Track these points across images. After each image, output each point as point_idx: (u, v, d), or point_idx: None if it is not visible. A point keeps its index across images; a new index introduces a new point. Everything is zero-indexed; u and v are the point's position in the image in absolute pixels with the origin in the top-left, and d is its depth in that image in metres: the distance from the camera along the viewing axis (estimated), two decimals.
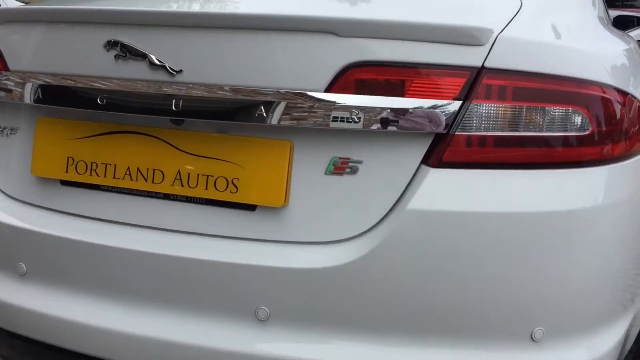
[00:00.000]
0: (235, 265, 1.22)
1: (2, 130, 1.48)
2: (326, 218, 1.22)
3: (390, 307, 1.17)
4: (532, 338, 1.20)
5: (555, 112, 1.18)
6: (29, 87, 1.36)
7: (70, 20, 1.32)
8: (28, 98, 1.36)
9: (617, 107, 1.24)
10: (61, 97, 1.33)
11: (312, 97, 1.17)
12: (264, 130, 1.23)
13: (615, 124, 1.23)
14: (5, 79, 1.39)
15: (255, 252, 1.23)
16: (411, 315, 1.17)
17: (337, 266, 1.17)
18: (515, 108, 1.16)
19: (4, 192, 1.47)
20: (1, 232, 1.41)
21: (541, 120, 1.17)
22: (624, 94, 1.26)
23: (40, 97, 1.35)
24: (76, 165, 1.36)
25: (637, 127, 1.30)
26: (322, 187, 1.22)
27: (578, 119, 1.19)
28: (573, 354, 1.24)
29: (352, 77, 1.17)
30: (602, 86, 1.22)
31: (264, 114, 1.18)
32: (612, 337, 1.31)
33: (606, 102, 1.22)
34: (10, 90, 1.40)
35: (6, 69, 1.41)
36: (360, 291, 1.17)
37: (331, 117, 1.17)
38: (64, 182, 1.40)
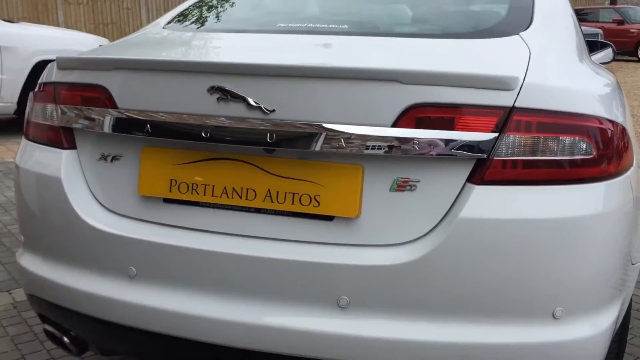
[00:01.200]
0: (319, 264, 1.54)
1: (105, 157, 1.77)
2: (391, 225, 1.55)
3: (446, 293, 1.50)
4: (553, 316, 1.54)
5: (567, 141, 1.53)
6: (137, 122, 1.66)
7: (177, 69, 1.62)
8: (138, 131, 1.66)
9: (610, 135, 1.59)
10: (170, 131, 1.63)
11: (381, 132, 1.50)
12: (340, 156, 1.56)
13: (610, 148, 1.59)
14: (115, 116, 1.69)
15: (334, 254, 1.56)
16: (463, 299, 1.50)
17: (402, 263, 1.50)
18: (538, 138, 1.51)
19: (107, 209, 1.77)
20: (111, 242, 1.70)
21: (557, 147, 1.52)
22: (614, 123, 1.62)
23: (150, 130, 1.65)
24: (179, 186, 1.67)
25: (624, 149, 1.65)
26: (388, 201, 1.55)
27: (584, 146, 1.54)
28: (582, 329, 1.58)
29: (412, 115, 1.50)
30: (599, 119, 1.57)
31: (343, 145, 1.51)
32: (608, 317, 1.65)
33: (603, 131, 1.57)
34: (119, 125, 1.70)
35: (115, 107, 1.71)
36: (421, 282, 1.50)
37: (396, 146, 1.50)
38: (167, 200, 1.70)
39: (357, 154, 1.53)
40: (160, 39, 1.97)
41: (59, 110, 1.80)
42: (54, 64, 1.92)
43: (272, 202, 1.60)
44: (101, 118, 1.71)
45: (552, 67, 1.69)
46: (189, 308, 1.63)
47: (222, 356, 1.65)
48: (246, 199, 1.62)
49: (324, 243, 1.58)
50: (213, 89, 1.58)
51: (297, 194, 1.58)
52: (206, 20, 2.23)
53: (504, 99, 1.49)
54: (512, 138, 1.50)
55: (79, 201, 1.76)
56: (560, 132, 1.52)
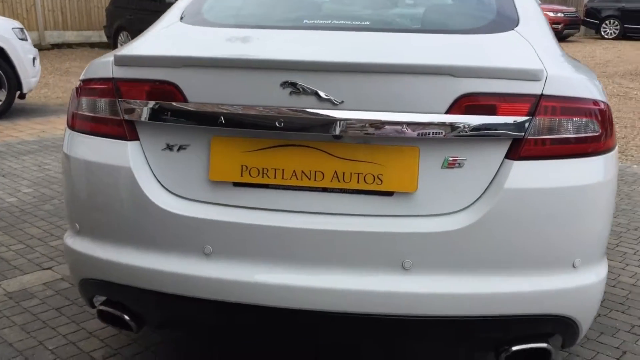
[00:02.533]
0: (385, 233, 1.80)
1: (171, 147, 1.93)
2: (442, 198, 1.83)
3: (492, 253, 1.80)
4: (573, 266, 1.88)
5: (581, 122, 1.86)
6: (209, 114, 1.83)
7: (250, 67, 1.81)
8: (210, 123, 1.83)
9: (607, 115, 1.94)
10: (243, 122, 1.82)
11: (437, 118, 1.77)
12: (400, 140, 1.81)
13: (607, 126, 1.93)
14: (185, 108, 1.85)
15: (396, 224, 1.81)
16: (506, 257, 1.81)
17: (455, 230, 1.78)
18: (560, 120, 1.83)
19: (175, 194, 1.93)
20: (185, 224, 1.87)
21: (574, 127, 1.85)
22: (606, 104, 1.97)
23: (223, 122, 1.82)
24: (250, 170, 1.86)
25: (613, 126, 2.01)
26: (440, 177, 1.82)
27: (592, 125, 1.88)
28: (590, 276, 1.93)
29: (462, 104, 1.78)
30: (599, 101, 1.91)
31: (404, 130, 1.76)
32: (604, 267, 2.01)
33: (602, 112, 1.92)
34: (189, 117, 1.86)
35: (185, 101, 1.87)
36: (471, 244, 1.79)
37: (448, 130, 1.77)
38: (237, 184, 1.89)
39: (415, 138, 1.79)
40: (202, 35, 2.12)
41: (122, 105, 1.93)
42: (103, 60, 2.03)
43: (338, 182, 1.83)
44: (171, 111, 1.87)
45: (556, 59, 2.01)
46: (265, 278, 1.83)
47: (297, 320, 1.87)
48: (314, 180, 1.84)
49: (387, 215, 1.83)
50: (286, 84, 1.78)
51: (362, 173, 1.82)
52: (236, 15, 2.38)
53: (534, 88, 1.80)
54: (541, 120, 1.81)
55: (149, 188, 1.91)
56: (575, 114, 1.85)
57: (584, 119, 1.86)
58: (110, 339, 2.69)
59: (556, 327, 1.92)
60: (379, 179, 1.82)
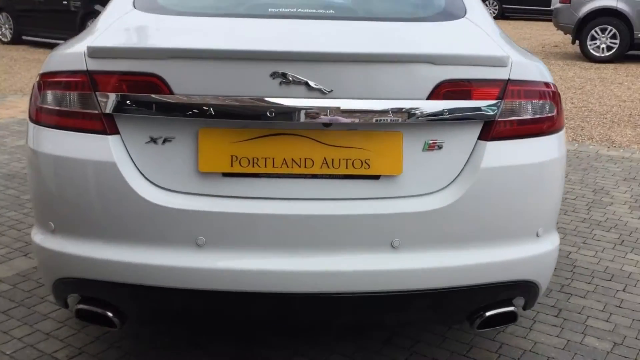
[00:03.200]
0: (372, 215, 1.90)
1: (155, 140, 1.92)
2: (424, 179, 1.95)
3: (473, 226, 1.95)
4: (537, 235, 2.07)
5: (541, 103, 2.03)
6: (196, 106, 1.84)
7: (238, 58, 1.83)
8: (197, 114, 1.84)
9: (558, 96, 2.13)
10: (232, 113, 1.84)
11: (419, 104, 1.88)
12: (385, 125, 1.91)
13: (559, 107, 2.13)
14: (171, 101, 1.85)
15: (384, 205, 1.92)
16: (484, 230, 1.96)
17: (439, 208, 1.91)
18: (524, 103, 2.00)
19: (162, 187, 1.92)
20: (176, 216, 1.88)
21: (537, 109, 2.02)
22: (556, 86, 2.17)
23: (213, 113, 1.84)
24: (240, 160, 1.89)
25: (562, 107, 2.20)
26: (421, 160, 1.94)
27: (548, 107, 2.06)
28: (548, 244, 2.12)
29: (441, 89, 1.90)
30: (551, 84, 2.10)
31: (390, 116, 1.86)
32: (557, 236, 2.22)
33: (555, 94, 2.11)
34: (175, 109, 1.86)
35: (171, 93, 1.86)
36: (454, 220, 1.93)
37: (429, 115, 1.89)
38: (226, 174, 1.91)
39: (399, 123, 1.89)
40: (177, 24, 2.09)
41: (100, 98, 1.89)
42: (71, 52, 1.97)
43: (328, 168, 1.90)
44: (156, 104, 1.85)
45: (511, 45, 2.17)
46: (260, 265, 1.88)
47: (293, 304, 1.93)
48: (305, 167, 1.90)
49: (374, 198, 1.93)
50: (276, 74, 1.83)
51: (350, 159, 1.91)
52: (192, 3, 2.35)
53: (502, 74, 1.95)
54: (509, 103, 1.97)
55: (135, 182, 1.89)
56: (535, 97, 2.02)
57: (542, 101, 2.04)
58: (70, 338, 2.63)
59: (522, 291, 2.11)
60: (367, 164, 1.91)
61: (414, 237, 1.92)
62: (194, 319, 2.14)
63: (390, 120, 1.87)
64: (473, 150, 1.96)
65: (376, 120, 1.87)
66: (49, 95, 1.97)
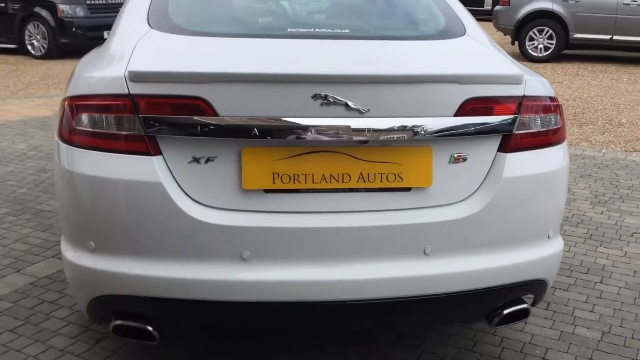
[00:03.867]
0: (406, 225, 2.03)
1: (197, 160, 1.99)
2: (452, 189, 2.10)
3: (496, 232, 2.11)
4: (548, 237, 2.25)
5: (549, 117, 2.22)
6: (240, 127, 1.93)
7: (282, 81, 1.93)
8: (241, 135, 1.93)
9: (561, 109, 2.32)
10: (275, 132, 1.94)
11: (447, 121, 2.02)
12: (415, 141, 2.04)
13: (563, 119, 2.32)
14: (216, 122, 1.93)
15: (416, 215, 2.05)
16: (508, 234, 2.12)
17: (467, 216, 2.06)
18: (537, 117, 2.17)
19: (205, 205, 2.00)
20: (221, 233, 1.96)
21: (546, 122, 2.20)
22: (558, 100, 2.36)
23: (257, 133, 1.93)
24: (281, 177, 1.99)
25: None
26: (448, 171, 2.09)
27: (555, 119, 2.25)
28: (555, 246, 2.31)
29: (466, 107, 2.05)
30: (555, 98, 2.29)
31: (421, 132, 2.00)
32: (561, 238, 2.42)
33: (560, 108, 2.30)
34: (220, 131, 1.94)
35: (216, 115, 1.94)
36: (480, 226, 2.08)
37: (455, 130, 2.04)
38: (268, 191, 2.01)
39: (429, 139, 2.03)
40: (213, 46, 2.17)
41: (143, 120, 1.95)
42: (110, 76, 2.02)
43: (364, 182, 2.03)
44: (200, 125, 1.93)
45: (515, 62, 2.35)
46: (302, 276, 1.99)
47: (336, 312, 2.05)
48: (342, 182, 2.02)
49: (407, 209, 2.07)
50: (317, 96, 1.93)
51: (384, 173, 2.03)
52: (214, 23, 2.43)
53: (518, 90, 2.12)
54: (524, 117, 2.14)
55: (181, 201, 1.96)
56: (545, 111, 2.20)
57: (550, 115, 2.22)
58: (86, 353, 2.65)
59: (535, 289, 2.29)
60: (400, 177, 2.04)
61: (443, 244, 2.07)
62: (237, 330, 2.22)
63: (421, 136, 2.01)
64: (493, 161, 2.12)
65: (408, 137, 2.00)
66: (85, 117, 2.01)
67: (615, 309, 3.08)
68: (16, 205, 4.30)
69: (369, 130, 1.96)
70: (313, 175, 2.00)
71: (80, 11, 11.55)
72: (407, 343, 2.74)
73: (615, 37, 11.19)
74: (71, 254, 2.12)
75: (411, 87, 2.00)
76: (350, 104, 1.95)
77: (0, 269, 3.38)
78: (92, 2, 11.74)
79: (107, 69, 2.09)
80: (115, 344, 2.68)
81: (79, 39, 11.49)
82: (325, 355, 2.64)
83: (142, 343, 2.26)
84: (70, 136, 2.05)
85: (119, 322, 2.10)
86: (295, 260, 1.99)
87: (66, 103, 2.09)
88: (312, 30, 2.36)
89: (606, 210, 4.42)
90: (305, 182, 2.00)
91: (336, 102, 1.94)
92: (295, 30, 2.35)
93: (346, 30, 2.39)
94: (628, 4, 11.01)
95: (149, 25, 2.33)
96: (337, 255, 2.01)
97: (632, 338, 2.84)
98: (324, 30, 2.36)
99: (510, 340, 2.79)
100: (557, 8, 11.36)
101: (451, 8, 2.71)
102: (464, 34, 2.48)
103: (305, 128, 1.94)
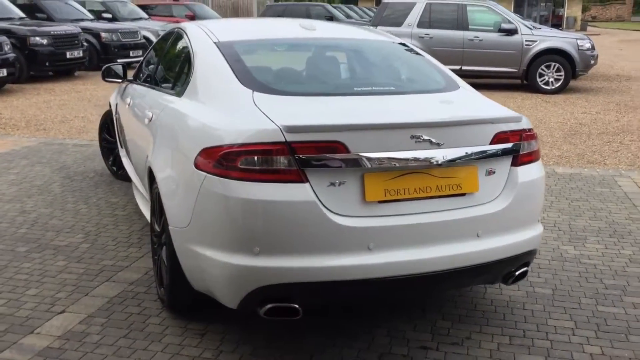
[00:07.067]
0: (465, 218, 3.08)
1: (334, 184, 2.89)
2: (488, 192, 3.18)
3: (518, 219, 3.21)
4: (538, 220, 3.41)
5: (534, 142, 3.39)
6: (365, 159, 2.87)
7: (395, 127, 2.91)
8: (366, 165, 2.87)
9: (536, 135, 3.50)
10: (390, 162, 2.90)
11: (486, 148, 3.12)
12: (468, 162, 3.10)
13: (539, 144, 3.50)
14: (349, 157, 2.86)
15: (470, 211, 3.10)
16: (523, 219, 3.24)
17: (502, 209, 3.15)
18: (530, 142, 3.34)
19: (340, 214, 2.90)
20: (354, 232, 2.87)
21: (533, 145, 3.37)
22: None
23: (379, 163, 2.88)
24: (389, 192, 2.95)
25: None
26: (485, 181, 3.17)
27: (536, 143, 3.43)
28: (541, 226, 3.48)
29: (496, 138, 3.16)
30: (532, 129, 3.47)
31: (472, 156, 3.07)
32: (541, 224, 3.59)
33: (536, 135, 3.48)
34: (352, 163, 2.87)
35: (349, 152, 2.86)
36: (508, 216, 3.18)
37: (490, 154, 3.14)
38: (381, 202, 2.95)
39: (476, 159, 3.10)
40: (331, 105, 3.13)
41: (298, 159, 2.82)
42: (267, 129, 2.87)
43: (438, 191, 3.04)
44: (339, 160, 2.85)
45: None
46: (406, 257, 2.96)
47: (431, 280, 3.04)
48: (426, 192, 3.02)
49: (464, 207, 3.11)
50: (414, 137, 2.93)
51: (450, 185, 3.07)
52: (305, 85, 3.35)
53: (520, 125, 3.28)
54: (524, 143, 3.29)
55: (326, 212, 2.85)
56: (531, 138, 3.38)
57: (534, 140, 3.40)
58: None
59: (530, 255, 3.43)
60: (460, 187, 3.09)
61: (488, 229, 3.13)
62: (361, 302, 3.11)
63: (472, 159, 3.08)
64: (509, 173, 3.24)
65: (464, 159, 3.06)
66: (245, 159, 2.84)
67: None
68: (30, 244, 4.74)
69: (443, 157, 2.99)
70: (408, 189, 2.98)
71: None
72: (404, 311, 3.76)
73: (463, 67, 13.17)
74: (234, 258, 2.89)
75: (466, 127, 3.07)
76: (433, 140, 2.97)
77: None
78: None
79: (249, 124, 2.94)
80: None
81: None
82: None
83: (285, 319, 3.08)
84: (229, 173, 2.85)
85: (270, 305, 2.92)
86: (402, 246, 2.95)
87: (221, 151, 2.88)
88: (370, 88, 3.37)
89: None
90: (404, 194, 2.98)
91: (425, 140, 2.95)
92: (360, 89, 3.36)
93: (391, 88, 3.42)
94: (472, 40, 13.05)
95: (244, 86, 3.22)
96: (426, 241, 3.00)
97: None
98: (378, 88, 3.38)
99: (497, 300, 3.92)
100: (415, 43, 13.12)
101: (439, 67, 3.86)
102: (460, 87, 3.62)
103: (407, 158, 2.93)
